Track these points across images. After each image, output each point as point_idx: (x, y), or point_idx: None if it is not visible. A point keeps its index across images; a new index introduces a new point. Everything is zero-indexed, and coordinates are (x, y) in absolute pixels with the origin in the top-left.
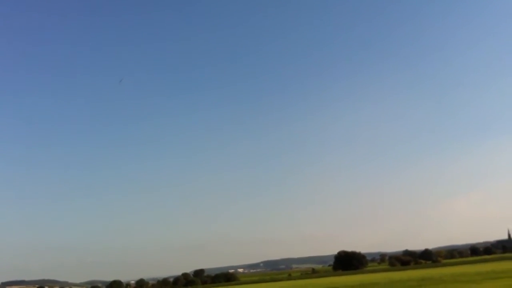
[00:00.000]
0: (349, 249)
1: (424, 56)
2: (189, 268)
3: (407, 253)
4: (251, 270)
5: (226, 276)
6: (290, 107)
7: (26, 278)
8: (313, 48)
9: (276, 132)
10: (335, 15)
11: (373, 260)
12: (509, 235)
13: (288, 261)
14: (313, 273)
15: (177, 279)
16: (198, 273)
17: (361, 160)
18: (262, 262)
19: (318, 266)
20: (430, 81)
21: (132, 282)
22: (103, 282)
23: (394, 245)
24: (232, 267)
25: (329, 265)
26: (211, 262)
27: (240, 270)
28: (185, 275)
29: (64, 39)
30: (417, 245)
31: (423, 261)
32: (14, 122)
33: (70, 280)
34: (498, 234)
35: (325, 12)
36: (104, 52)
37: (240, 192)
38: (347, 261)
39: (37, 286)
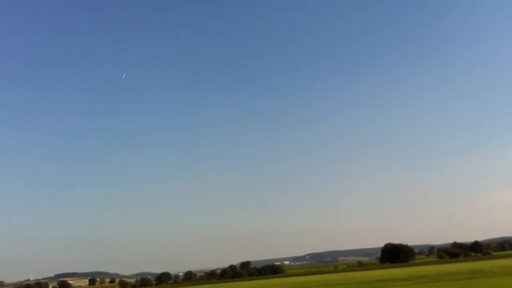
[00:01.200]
0: (396, 241)
1: (471, 47)
2: (235, 260)
3: (456, 245)
4: (297, 263)
5: (272, 268)
6: (332, 100)
7: (78, 271)
8: (356, 39)
9: (320, 124)
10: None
11: (421, 253)
12: None
13: (334, 254)
14: (360, 266)
15: (224, 271)
16: (245, 265)
17: (408, 151)
18: (307, 255)
19: (364, 259)
20: (480, 72)
21: (181, 274)
22: (152, 274)
23: (443, 237)
24: (277, 260)
25: (376, 258)
26: (257, 254)
27: (286, 262)
28: (232, 267)
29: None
30: (467, 237)
31: (472, 254)
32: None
33: (121, 272)
34: None
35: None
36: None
37: (285, 185)
38: (395, 254)
39: (88, 278)
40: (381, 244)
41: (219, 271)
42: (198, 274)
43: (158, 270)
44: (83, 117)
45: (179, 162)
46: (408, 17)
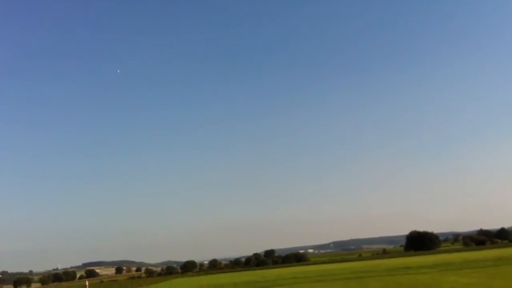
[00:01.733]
0: (420, 229)
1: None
2: (260, 248)
3: (481, 232)
4: (321, 251)
5: (296, 256)
6: (363, 92)
7: (105, 259)
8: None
9: (345, 118)
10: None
11: (446, 240)
12: None
13: (358, 242)
14: (385, 254)
15: (248, 259)
16: (269, 253)
17: (434, 140)
18: (331, 243)
19: (389, 247)
20: None
21: (206, 262)
22: (177, 263)
23: (468, 225)
24: (301, 248)
25: (400, 246)
26: (281, 242)
27: (310, 250)
28: (256, 255)
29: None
30: (493, 224)
31: (499, 241)
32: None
33: (146, 261)
34: None
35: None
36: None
37: (310, 174)
38: (419, 242)
39: (115, 266)
40: (405, 231)
41: (243, 259)
42: (223, 262)
43: (183, 258)
44: (113, 112)
45: (203, 153)
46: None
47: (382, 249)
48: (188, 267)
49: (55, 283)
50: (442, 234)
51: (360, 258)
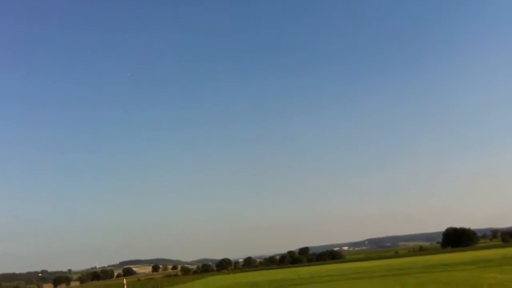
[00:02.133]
0: (457, 225)
1: None
2: (294, 246)
3: None
4: (356, 248)
5: (331, 254)
6: (408, 88)
7: (142, 258)
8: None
9: (380, 115)
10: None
11: (484, 237)
12: None
13: (394, 239)
14: (421, 251)
15: (283, 257)
16: (304, 251)
17: (473, 133)
18: (366, 240)
19: (425, 244)
20: None
21: (240, 260)
22: (213, 261)
23: (507, 220)
24: (336, 245)
25: (437, 243)
26: (315, 240)
27: (345, 248)
28: (290, 253)
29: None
30: None
31: None
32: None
33: (182, 259)
34: None
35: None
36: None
37: (343, 171)
38: (457, 238)
39: (151, 265)
40: (442, 228)
41: (278, 257)
42: (258, 260)
43: (219, 256)
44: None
45: (240, 152)
46: None
47: (418, 246)
48: (223, 265)
49: (93, 282)
50: (480, 230)
51: (396, 255)
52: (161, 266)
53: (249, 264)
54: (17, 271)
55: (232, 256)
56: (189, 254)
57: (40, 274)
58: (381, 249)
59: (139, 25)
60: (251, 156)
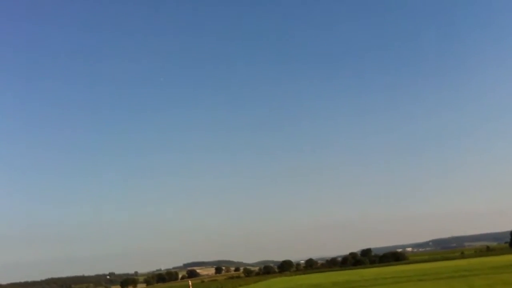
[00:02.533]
0: None
1: None
2: (356, 247)
3: None
4: (420, 249)
5: (394, 255)
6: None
7: (205, 260)
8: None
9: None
10: None
11: None
12: None
13: (459, 239)
14: (488, 251)
15: (345, 259)
16: (366, 252)
17: None
18: (431, 241)
19: (492, 244)
20: None
21: (302, 261)
22: (274, 262)
23: None
24: (399, 246)
25: (505, 243)
26: (378, 241)
27: (408, 249)
28: (353, 254)
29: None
30: None
31: None
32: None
33: (244, 261)
34: None
35: None
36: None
37: (405, 172)
38: None
39: (214, 266)
40: (510, 227)
41: (340, 259)
42: (319, 262)
43: (280, 258)
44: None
45: (301, 153)
46: None
47: (485, 246)
48: (285, 267)
49: (159, 284)
50: None
51: (462, 256)
52: (224, 268)
53: (310, 265)
54: (86, 274)
55: (293, 258)
56: (251, 256)
57: (108, 277)
58: (446, 250)
59: (185, 28)
60: (309, 157)
